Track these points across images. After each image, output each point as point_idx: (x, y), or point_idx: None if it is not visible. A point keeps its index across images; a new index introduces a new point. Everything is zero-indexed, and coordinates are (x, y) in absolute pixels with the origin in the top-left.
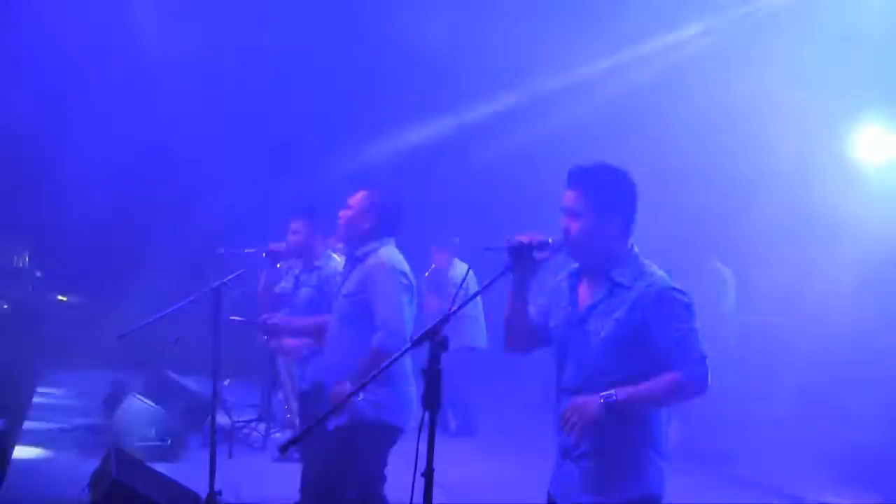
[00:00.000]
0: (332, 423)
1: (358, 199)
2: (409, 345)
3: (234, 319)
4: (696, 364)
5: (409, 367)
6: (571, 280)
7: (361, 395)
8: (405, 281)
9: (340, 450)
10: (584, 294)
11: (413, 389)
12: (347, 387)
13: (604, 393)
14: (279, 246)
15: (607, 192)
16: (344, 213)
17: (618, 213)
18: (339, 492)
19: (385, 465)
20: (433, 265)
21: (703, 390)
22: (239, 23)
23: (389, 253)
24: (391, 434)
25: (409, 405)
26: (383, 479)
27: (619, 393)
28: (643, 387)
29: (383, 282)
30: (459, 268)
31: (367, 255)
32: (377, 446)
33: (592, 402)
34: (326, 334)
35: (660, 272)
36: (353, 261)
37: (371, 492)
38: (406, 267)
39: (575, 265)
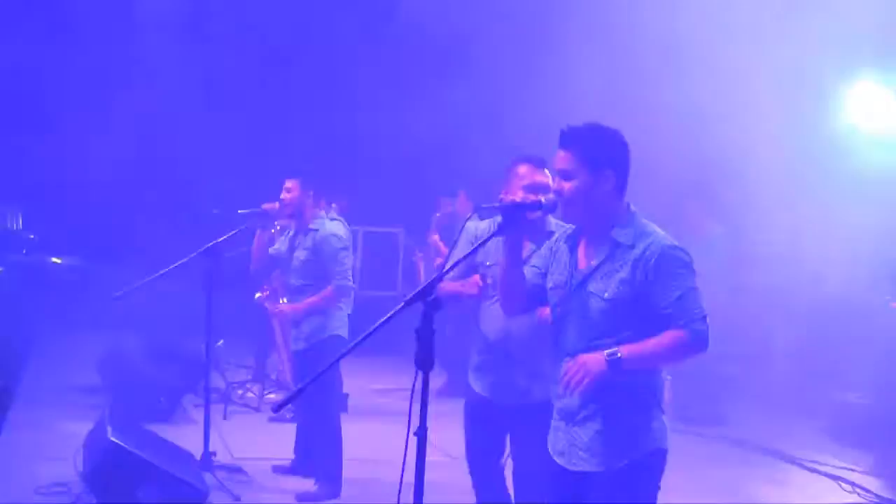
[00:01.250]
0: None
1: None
2: (401, 304)
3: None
4: (696, 322)
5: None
6: (570, 242)
7: None
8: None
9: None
10: (584, 255)
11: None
12: None
13: (607, 351)
14: (272, 206)
15: (598, 151)
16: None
17: (610, 170)
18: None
19: None
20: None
21: (704, 348)
22: None
23: None
24: None
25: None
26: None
27: (622, 350)
28: (645, 345)
29: None
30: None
31: None
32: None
33: (596, 359)
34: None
35: (660, 231)
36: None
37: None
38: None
39: (571, 228)
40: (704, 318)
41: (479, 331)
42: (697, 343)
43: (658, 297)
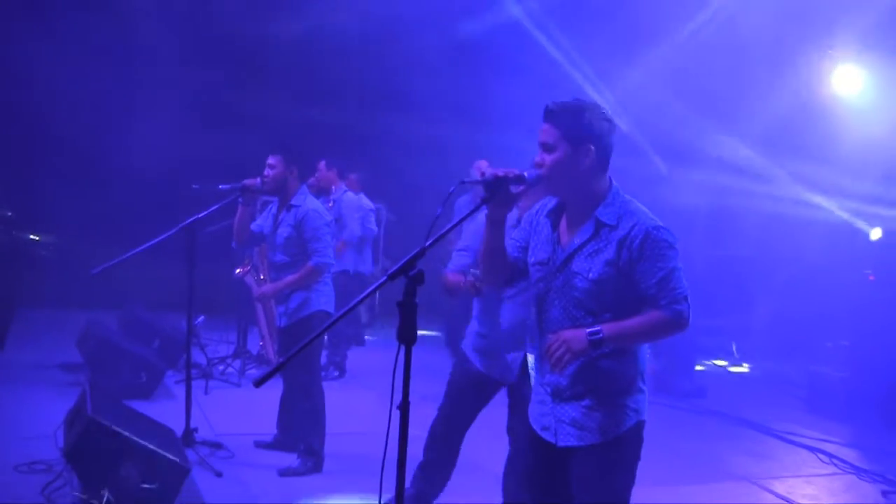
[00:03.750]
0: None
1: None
2: (384, 278)
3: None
4: (678, 303)
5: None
6: (552, 217)
7: None
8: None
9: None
10: (567, 232)
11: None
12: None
13: (589, 329)
14: (254, 182)
15: (581, 124)
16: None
17: (592, 144)
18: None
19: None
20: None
21: (685, 327)
22: None
23: None
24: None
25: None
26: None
27: (604, 329)
28: (627, 324)
29: None
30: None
31: None
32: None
33: (579, 336)
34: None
35: (643, 209)
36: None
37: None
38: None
39: (552, 201)
40: (686, 297)
41: (496, 319)
42: (678, 323)
43: (642, 278)
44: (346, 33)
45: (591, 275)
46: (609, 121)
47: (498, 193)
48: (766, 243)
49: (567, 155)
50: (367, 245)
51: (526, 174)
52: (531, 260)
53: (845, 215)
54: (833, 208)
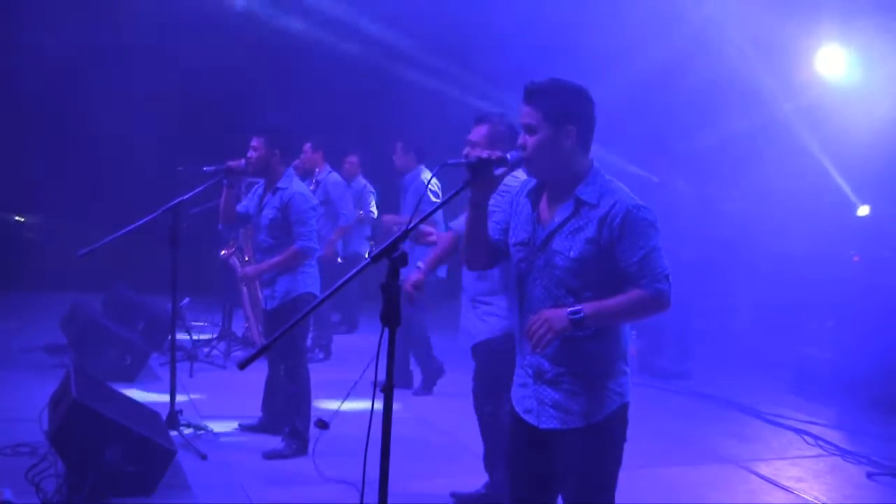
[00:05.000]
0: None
1: (482, 134)
2: (367, 260)
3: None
4: (659, 281)
5: None
6: (532, 197)
7: None
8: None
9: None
10: (548, 212)
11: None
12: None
13: (570, 308)
14: (238, 163)
15: (561, 105)
16: (471, 152)
17: (573, 125)
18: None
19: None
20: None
21: (666, 306)
22: None
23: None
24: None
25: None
26: None
27: (585, 308)
28: (608, 303)
29: None
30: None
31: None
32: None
33: (560, 316)
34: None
35: (624, 188)
36: None
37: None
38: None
39: (531, 181)
40: (667, 276)
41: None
42: (660, 302)
43: (622, 257)
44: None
45: (571, 253)
46: (589, 100)
47: (481, 176)
48: (749, 223)
49: (549, 136)
50: (367, 227)
51: (508, 156)
52: (512, 241)
53: (838, 179)
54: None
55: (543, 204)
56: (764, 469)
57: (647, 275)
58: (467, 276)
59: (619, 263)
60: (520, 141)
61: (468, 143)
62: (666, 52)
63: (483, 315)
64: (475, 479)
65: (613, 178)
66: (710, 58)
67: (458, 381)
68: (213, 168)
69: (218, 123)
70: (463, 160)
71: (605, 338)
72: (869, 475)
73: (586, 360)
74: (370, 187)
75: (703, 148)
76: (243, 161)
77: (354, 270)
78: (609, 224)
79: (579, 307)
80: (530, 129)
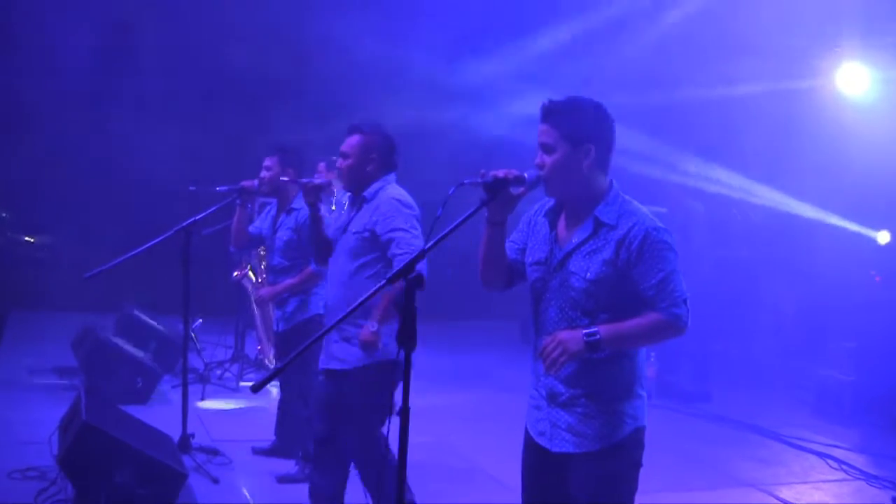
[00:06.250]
0: (354, 363)
1: (355, 144)
2: (383, 282)
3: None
4: (677, 306)
5: None
6: (550, 217)
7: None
8: (415, 212)
9: (363, 388)
10: (565, 232)
11: None
12: (375, 326)
13: (586, 330)
14: (251, 184)
15: (580, 124)
16: (344, 163)
17: (591, 144)
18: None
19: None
20: None
21: (683, 331)
22: None
23: (396, 189)
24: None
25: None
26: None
27: (601, 331)
28: (625, 326)
29: (397, 214)
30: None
31: (374, 194)
32: (392, 382)
33: (575, 338)
34: (328, 274)
35: (643, 209)
36: (358, 202)
37: (376, 432)
38: (410, 199)
39: (550, 201)
40: (685, 301)
41: None
42: (677, 326)
43: (640, 279)
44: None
45: (588, 274)
46: (609, 119)
47: (498, 195)
48: (769, 242)
49: (567, 155)
50: None
51: (526, 175)
52: (528, 260)
53: (853, 227)
54: (838, 221)
55: (561, 224)
56: (786, 493)
57: (665, 298)
58: (333, 289)
59: (636, 286)
60: (537, 160)
61: (340, 155)
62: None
63: (353, 337)
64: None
65: (633, 200)
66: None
67: (476, 401)
68: (226, 188)
69: (233, 140)
70: (479, 179)
71: (619, 360)
72: (894, 500)
73: (601, 382)
74: None
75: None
76: (256, 181)
77: (368, 294)
78: (627, 246)
79: (595, 329)
80: (547, 149)
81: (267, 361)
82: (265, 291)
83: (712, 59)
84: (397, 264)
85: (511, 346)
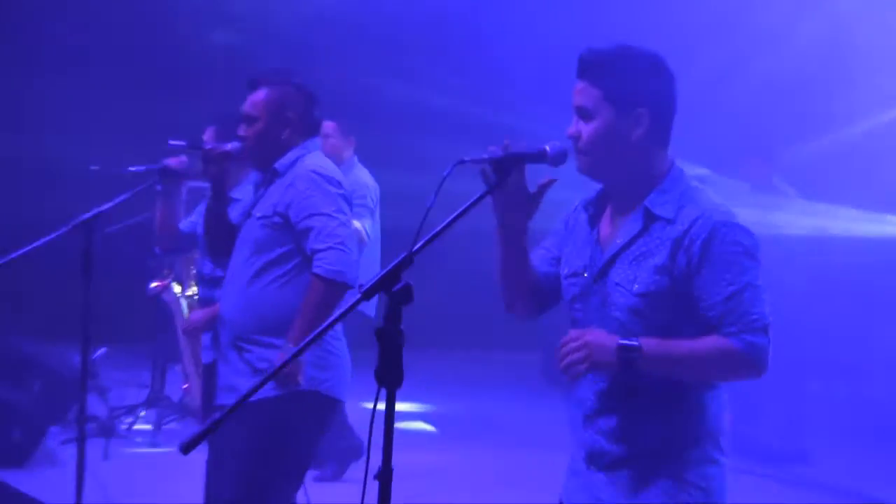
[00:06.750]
0: (260, 393)
1: (261, 102)
2: (360, 296)
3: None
4: (752, 333)
5: None
6: (591, 210)
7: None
8: (342, 190)
9: (268, 430)
10: (609, 230)
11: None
12: (290, 349)
13: (624, 340)
14: (179, 162)
15: (629, 81)
16: (248, 129)
17: (644, 108)
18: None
19: (316, 452)
20: None
21: (761, 369)
22: None
23: (318, 159)
24: (330, 409)
25: (347, 367)
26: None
27: (645, 345)
28: (678, 346)
29: (316, 192)
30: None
31: (289, 166)
32: (316, 425)
33: (607, 344)
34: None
35: (715, 199)
36: (268, 178)
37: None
38: (338, 173)
39: (593, 192)
40: (766, 327)
41: None
42: (751, 361)
43: (703, 293)
44: None
45: (636, 287)
46: (668, 75)
47: (510, 178)
48: (877, 247)
49: (611, 123)
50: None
51: (548, 148)
52: (564, 272)
53: None
54: None
55: (605, 220)
56: None
57: (736, 322)
58: (230, 294)
59: (698, 303)
60: (571, 129)
61: (242, 119)
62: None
63: (256, 361)
64: None
65: (703, 185)
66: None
67: (485, 461)
68: (142, 168)
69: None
70: (485, 155)
71: (684, 408)
72: None
73: (658, 438)
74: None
75: (816, 153)
76: (184, 159)
77: (336, 315)
78: (687, 247)
79: (636, 341)
80: (585, 113)
81: (197, 405)
82: (197, 315)
83: None
84: (320, 263)
85: (528, 384)
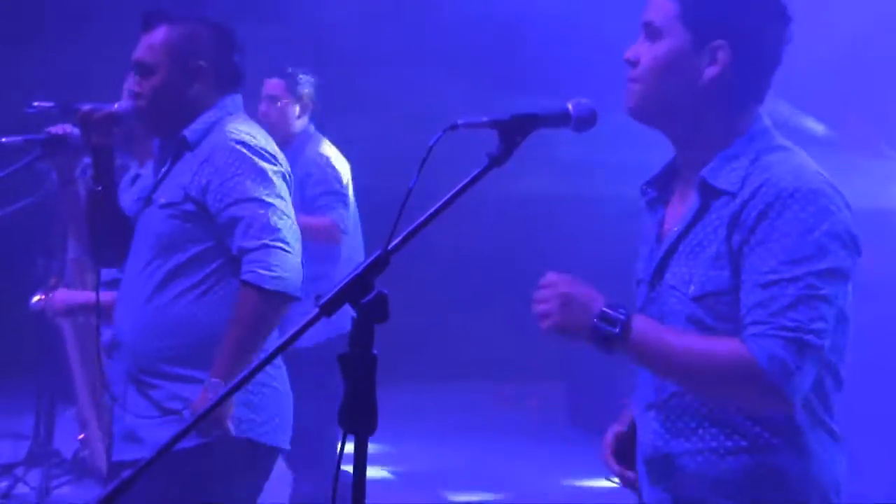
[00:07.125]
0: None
1: (159, 46)
2: (317, 312)
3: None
4: (778, 341)
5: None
6: (651, 191)
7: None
8: (279, 167)
9: (189, 489)
10: (673, 212)
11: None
12: (216, 385)
13: (607, 307)
14: (66, 130)
15: (721, 5)
16: (143, 83)
17: (725, 40)
18: None
19: None
20: None
21: (778, 398)
22: None
23: (242, 125)
24: (267, 459)
25: (289, 410)
26: None
27: (636, 324)
28: (677, 339)
29: (242, 168)
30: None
31: (202, 134)
32: (249, 480)
33: (586, 305)
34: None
35: (803, 162)
36: (173, 151)
37: None
38: (272, 144)
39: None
40: (802, 343)
41: None
42: (766, 381)
43: (744, 280)
44: None
45: (691, 288)
46: (781, 12)
47: (514, 143)
48: None
49: (680, 50)
50: None
51: (570, 106)
52: (636, 278)
53: None
54: None
55: (674, 201)
56: None
57: (765, 321)
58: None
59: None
60: (629, 52)
61: (135, 69)
62: None
63: (165, 399)
64: None
65: (795, 149)
66: None
67: None
68: (19, 138)
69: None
70: (485, 118)
71: (794, 447)
72: None
73: (757, 487)
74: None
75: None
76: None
77: (289, 336)
78: (743, 222)
79: (623, 312)
80: (653, 32)
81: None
82: (62, 297)
83: None
84: (251, 267)
85: (551, 426)
